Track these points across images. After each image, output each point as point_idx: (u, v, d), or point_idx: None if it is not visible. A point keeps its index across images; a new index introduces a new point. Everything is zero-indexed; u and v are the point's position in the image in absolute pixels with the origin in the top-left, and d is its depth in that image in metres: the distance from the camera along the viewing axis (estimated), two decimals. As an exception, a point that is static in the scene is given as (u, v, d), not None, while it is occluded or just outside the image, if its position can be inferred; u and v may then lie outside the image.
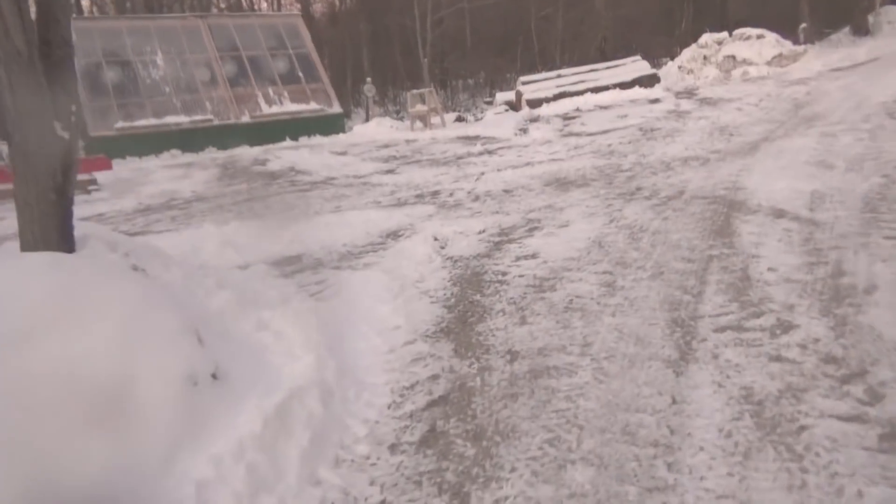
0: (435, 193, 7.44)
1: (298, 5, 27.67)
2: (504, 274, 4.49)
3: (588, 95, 14.32)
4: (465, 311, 3.94)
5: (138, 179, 11.52)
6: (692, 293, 3.77)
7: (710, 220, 5.14)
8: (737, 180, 6.39)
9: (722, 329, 3.28)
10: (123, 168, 13.66)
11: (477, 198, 6.96)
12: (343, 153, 12.31)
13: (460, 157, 10.04)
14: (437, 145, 11.88)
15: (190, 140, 15.18)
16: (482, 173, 8.39)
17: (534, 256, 4.78)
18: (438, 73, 26.75)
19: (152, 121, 14.95)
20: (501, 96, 15.95)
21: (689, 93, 14.06)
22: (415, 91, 15.70)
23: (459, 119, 16.40)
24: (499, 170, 8.49)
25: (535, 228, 5.52)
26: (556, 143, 10.25)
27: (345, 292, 4.41)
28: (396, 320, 3.88)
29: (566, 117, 12.91)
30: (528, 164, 8.75)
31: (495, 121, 13.12)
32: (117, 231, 6.45)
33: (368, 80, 18.01)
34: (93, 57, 15.24)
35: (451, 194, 7.29)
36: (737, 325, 3.31)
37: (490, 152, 10.24)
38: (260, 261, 5.40)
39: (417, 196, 7.39)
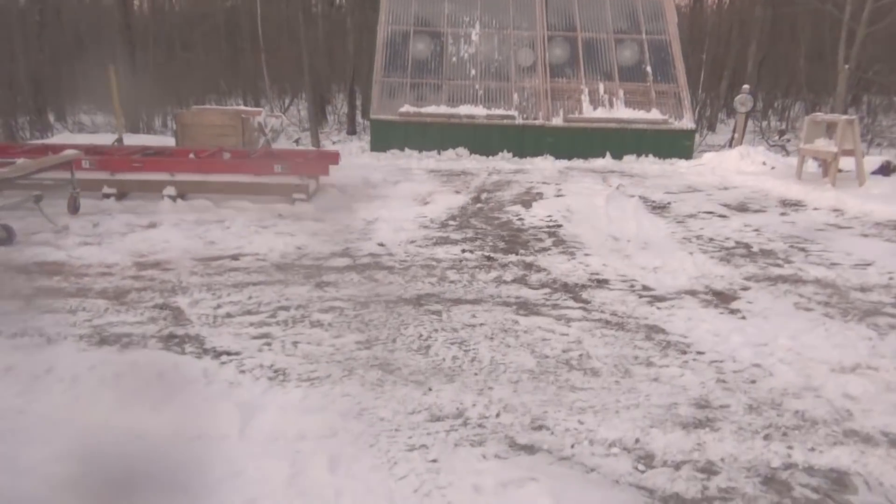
0: None
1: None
2: None
3: None
4: None
5: (379, 189, 8.53)
6: None
7: None
8: None
9: None
10: (390, 164, 11.05)
11: None
12: (660, 207, 7.50)
13: (901, 300, 4.45)
14: (840, 237, 6.21)
15: (483, 139, 11.95)
16: None
17: None
18: (853, 87, 18.81)
19: (443, 108, 12.05)
20: None
21: None
22: (819, 116, 9.65)
23: (887, 169, 9.82)
24: None
25: None
26: None
27: None
28: None
29: None
30: None
31: (982, 201, 6.68)
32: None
33: (745, 87, 12.33)
34: (402, 24, 12.92)
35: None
36: None
37: None
38: None
39: None
